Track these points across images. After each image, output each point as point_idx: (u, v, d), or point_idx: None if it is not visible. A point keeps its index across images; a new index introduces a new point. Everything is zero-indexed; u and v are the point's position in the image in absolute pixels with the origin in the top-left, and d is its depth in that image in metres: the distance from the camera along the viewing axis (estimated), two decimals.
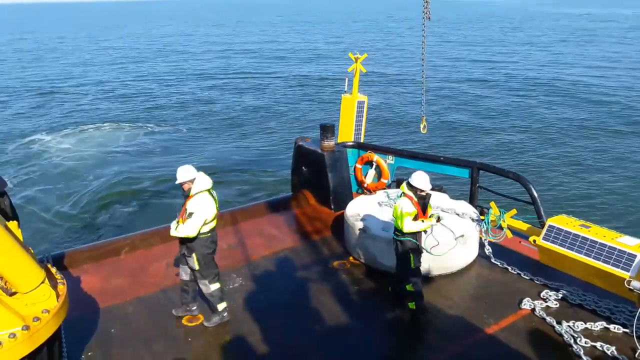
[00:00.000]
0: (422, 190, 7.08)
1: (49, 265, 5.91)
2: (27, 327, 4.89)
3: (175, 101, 37.01)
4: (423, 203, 7.16)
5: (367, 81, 42.49)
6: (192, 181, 6.66)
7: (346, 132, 12.13)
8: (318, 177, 11.04)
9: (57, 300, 5.28)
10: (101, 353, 6.67)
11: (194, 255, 6.84)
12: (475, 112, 31.50)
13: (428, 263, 7.99)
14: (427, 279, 8.14)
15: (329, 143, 11.04)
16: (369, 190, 11.15)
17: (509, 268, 8.54)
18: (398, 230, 7.16)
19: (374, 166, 11.19)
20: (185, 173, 6.65)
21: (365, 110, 12.06)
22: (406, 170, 11.22)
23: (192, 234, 6.60)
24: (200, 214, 6.55)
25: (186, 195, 6.69)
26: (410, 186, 7.13)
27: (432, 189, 10.22)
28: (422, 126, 10.21)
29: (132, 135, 27.85)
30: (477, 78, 43.73)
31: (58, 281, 5.63)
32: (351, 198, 10.55)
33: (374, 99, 34.85)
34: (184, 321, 7.30)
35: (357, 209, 9.36)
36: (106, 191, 19.34)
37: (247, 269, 8.80)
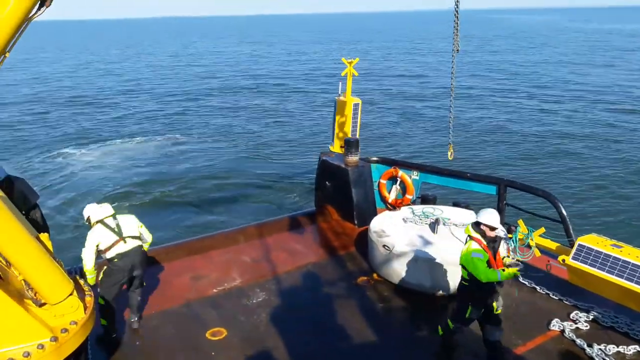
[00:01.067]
0: (492, 230, 6.20)
1: (77, 277, 5.99)
2: (55, 339, 4.95)
3: (206, 114, 38.19)
4: (493, 247, 6.30)
5: (389, 93, 42.54)
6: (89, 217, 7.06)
7: (342, 134, 12.41)
8: (342, 192, 11.01)
9: (85, 312, 5.34)
10: None
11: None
12: (500, 126, 31.18)
13: (453, 280, 7.86)
14: (454, 297, 8.00)
15: (353, 158, 11.02)
16: (393, 206, 11.07)
17: (537, 288, 8.35)
18: (465, 279, 6.41)
19: (398, 182, 11.12)
20: (84, 212, 7.14)
21: (359, 112, 12.30)
22: (431, 186, 11.13)
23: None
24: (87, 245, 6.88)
25: None
26: (476, 226, 6.28)
27: (459, 206, 10.17)
28: (449, 153, 9.91)
29: (161, 146, 28.61)
30: (504, 89, 43.34)
31: (86, 293, 5.70)
32: (375, 214, 10.49)
33: (396, 113, 34.83)
34: (207, 335, 7.30)
35: (381, 225, 9.29)
36: (131, 204, 19.64)
37: (270, 283, 8.78)
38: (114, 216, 7.04)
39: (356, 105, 12.21)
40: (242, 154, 27.03)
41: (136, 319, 7.43)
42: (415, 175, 10.97)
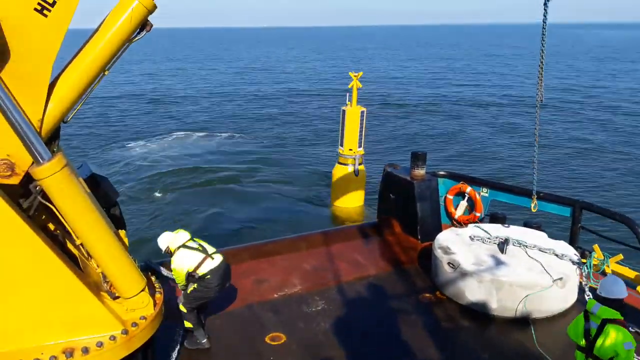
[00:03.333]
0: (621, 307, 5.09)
1: (150, 274, 6.23)
2: (126, 332, 5.16)
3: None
4: None
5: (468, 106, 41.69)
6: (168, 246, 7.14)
7: (351, 139, 16.13)
8: (406, 205, 10.83)
9: (154, 309, 5.54)
10: None
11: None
12: (581, 144, 29.90)
13: (522, 303, 7.56)
14: (520, 321, 7.69)
15: (419, 171, 10.82)
16: (460, 223, 10.79)
17: None
18: None
19: (466, 198, 10.83)
20: (161, 244, 7.20)
21: (364, 119, 15.76)
22: (500, 204, 10.76)
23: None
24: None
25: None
26: (608, 302, 5.09)
27: (529, 226, 9.78)
28: (532, 205, 9.39)
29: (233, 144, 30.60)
30: (593, 105, 41.60)
31: (156, 290, 5.91)
32: (440, 229, 10.25)
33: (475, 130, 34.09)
34: (267, 339, 7.38)
35: (447, 242, 9.07)
36: (198, 206, 20.31)
37: (330, 292, 8.78)
38: (192, 239, 7.16)
39: (362, 113, 15.39)
40: (303, 158, 27.48)
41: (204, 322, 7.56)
42: (484, 191, 10.65)
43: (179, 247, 7.00)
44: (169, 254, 7.14)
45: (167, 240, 7.14)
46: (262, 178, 24.05)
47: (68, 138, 29.70)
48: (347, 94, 16.33)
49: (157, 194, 21.90)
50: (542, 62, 7.46)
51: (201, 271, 6.88)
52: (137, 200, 21.10)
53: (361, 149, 18.47)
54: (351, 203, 19.36)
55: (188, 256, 6.95)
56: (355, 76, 16.01)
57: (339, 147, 18.50)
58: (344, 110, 17.08)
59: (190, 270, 6.90)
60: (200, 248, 7.05)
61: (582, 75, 67.00)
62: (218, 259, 7.06)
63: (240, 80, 66.73)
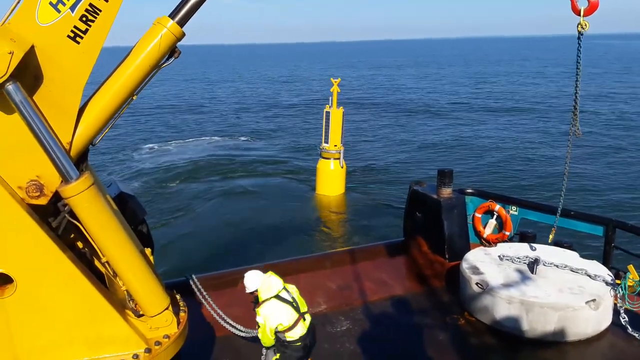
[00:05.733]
0: None
1: (174, 292, 6.27)
2: (149, 350, 5.20)
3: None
4: None
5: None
6: (258, 290, 6.09)
7: (335, 137, 20.92)
8: (433, 223, 10.67)
9: (178, 327, 5.57)
10: None
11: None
12: (608, 162, 29.06)
13: (554, 325, 7.33)
14: (555, 344, 7.45)
15: (446, 189, 10.67)
16: (489, 242, 10.56)
17: None
18: None
19: (494, 216, 10.61)
20: (250, 283, 6.12)
21: (343, 119, 20.68)
22: (530, 222, 10.51)
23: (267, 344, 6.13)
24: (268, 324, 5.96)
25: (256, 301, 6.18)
26: None
27: (560, 245, 9.52)
28: (550, 237, 9.25)
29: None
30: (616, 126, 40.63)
31: (180, 308, 5.95)
32: (468, 249, 10.06)
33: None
34: None
35: (475, 261, 8.90)
36: (224, 222, 20.58)
37: (355, 312, 8.68)
38: (285, 287, 6.12)
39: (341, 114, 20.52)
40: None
41: None
42: (513, 210, 10.42)
43: (270, 298, 5.91)
44: (254, 299, 6.16)
45: (257, 282, 6.04)
46: (261, 172, 28.73)
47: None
48: (329, 98, 20.32)
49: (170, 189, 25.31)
50: (576, 96, 7.34)
51: (291, 335, 5.90)
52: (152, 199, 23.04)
53: (342, 144, 22.08)
54: (333, 192, 22.78)
55: (281, 312, 5.88)
56: (335, 82, 20.38)
57: (323, 143, 21.77)
58: (328, 112, 20.78)
59: (279, 330, 5.89)
60: (293, 303, 6.01)
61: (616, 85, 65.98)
62: (308, 320, 6.10)
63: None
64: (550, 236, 8.86)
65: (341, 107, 21.09)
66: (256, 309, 6.03)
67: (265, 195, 23.89)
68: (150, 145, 36.75)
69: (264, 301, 5.92)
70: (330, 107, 20.83)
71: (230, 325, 7.63)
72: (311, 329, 6.11)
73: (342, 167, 22.35)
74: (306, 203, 22.78)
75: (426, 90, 68.27)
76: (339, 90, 19.91)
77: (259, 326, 6.04)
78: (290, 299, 6.00)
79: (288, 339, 5.91)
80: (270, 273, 6.15)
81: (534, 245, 9.40)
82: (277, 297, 5.92)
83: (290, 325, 5.88)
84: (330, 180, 22.63)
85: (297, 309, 5.99)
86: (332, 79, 20.90)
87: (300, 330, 5.95)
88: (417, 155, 32.35)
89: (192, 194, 24.27)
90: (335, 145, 21.53)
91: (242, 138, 38.93)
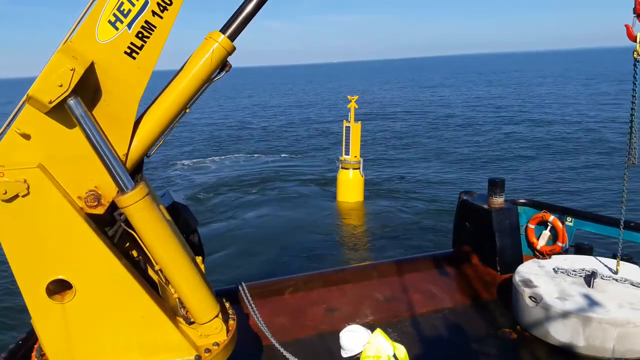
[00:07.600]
0: None
1: (224, 300, 6.37)
2: (199, 357, 5.29)
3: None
4: None
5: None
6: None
7: (356, 148, 22.90)
8: (484, 235, 10.41)
9: (227, 335, 5.65)
10: None
11: None
12: None
13: (613, 342, 6.98)
14: None
15: (498, 199, 10.41)
16: (542, 254, 10.21)
17: None
18: None
19: (548, 227, 10.25)
20: (354, 344, 5.04)
21: (359, 132, 22.96)
22: (587, 233, 10.08)
23: None
24: None
25: None
26: None
27: (622, 259, 9.08)
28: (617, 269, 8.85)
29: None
30: None
31: (230, 316, 6.03)
32: (521, 261, 9.76)
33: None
34: None
35: (529, 274, 8.62)
36: (273, 233, 20.82)
37: (403, 325, 8.56)
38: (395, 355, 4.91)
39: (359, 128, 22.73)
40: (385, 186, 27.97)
41: None
42: (569, 221, 10.03)
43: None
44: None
45: (362, 343, 4.96)
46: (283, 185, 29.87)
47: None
48: (348, 114, 23.05)
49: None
50: (632, 124, 7.07)
51: None
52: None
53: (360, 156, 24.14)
54: (353, 198, 24.26)
55: None
56: (352, 99, 23.11)
57: (343, 155, 23.75)
58: (348, 127, 23.17)
59: None
60: None
61: None
62: None
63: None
64: (617, 267, 8.45)
65: (359, 121, 23.36)
66: None
67: (292, 205, 25.43)
68: (189, 160, 38.61)
69: None
70: (348, 122, 23.17)
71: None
72: None
73: (361, 177, 24.05)
74: (327, 210, 24.45)
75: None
76: (357, 107, 22.86)
77: None
78: None
79: None
80: (378, 331, 4.97)
81: (590, 257, 9.03)
82: None
83: None
84: (350, 188, 24.20)
85: None
86: (349, 96, 23.62)
87: None
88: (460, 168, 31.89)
89: (228, 205, 25.76)
90: (355, 157, 23.57)
91: (283, 155, 39.96)
